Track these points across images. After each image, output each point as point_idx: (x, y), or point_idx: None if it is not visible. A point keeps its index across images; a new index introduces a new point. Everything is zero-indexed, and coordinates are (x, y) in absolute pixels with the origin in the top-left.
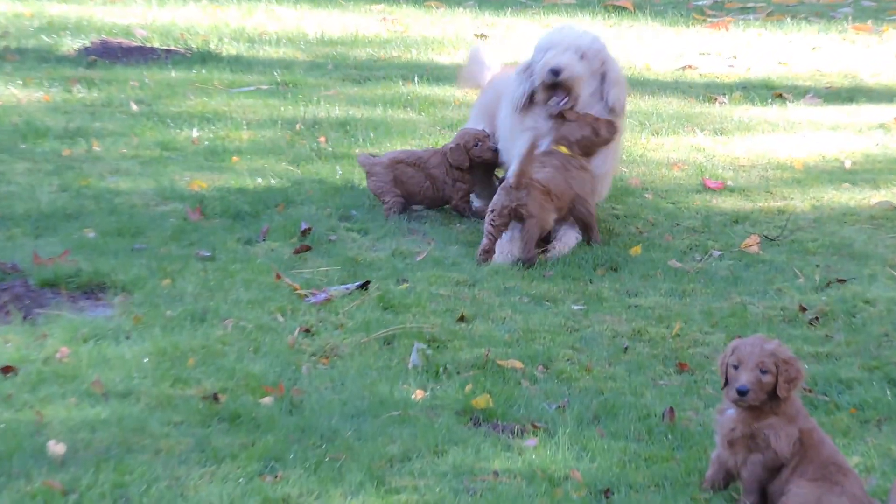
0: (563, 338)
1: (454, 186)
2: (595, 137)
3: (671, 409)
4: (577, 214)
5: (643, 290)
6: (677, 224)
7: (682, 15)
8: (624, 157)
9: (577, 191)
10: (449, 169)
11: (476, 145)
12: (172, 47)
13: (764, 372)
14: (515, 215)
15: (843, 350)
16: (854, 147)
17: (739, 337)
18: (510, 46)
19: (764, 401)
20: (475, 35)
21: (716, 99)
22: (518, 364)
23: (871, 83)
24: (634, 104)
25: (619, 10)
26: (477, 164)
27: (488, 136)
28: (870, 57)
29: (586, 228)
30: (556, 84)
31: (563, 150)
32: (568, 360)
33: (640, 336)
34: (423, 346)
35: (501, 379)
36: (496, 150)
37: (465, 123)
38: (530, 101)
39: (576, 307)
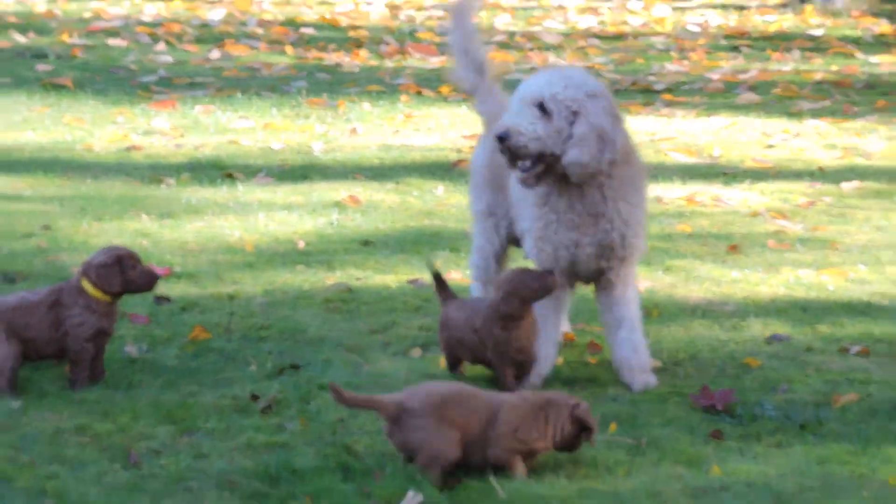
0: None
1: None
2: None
3: None
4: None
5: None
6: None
7: (126, 92)
8: (65, 244)
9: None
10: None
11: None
12: None
13: None
14: None
15: (297, 439)
16: (308, 227)
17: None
18: None
19: None
20: None
21: (162, 180)
22: None
23: (325, 160)
24: (75, 188)
25: (59, 88)
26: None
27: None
28: (324, 132)
29: None
30: (511, 149)
31: None
32: (9, 460)
33: (83, 432)
34: None
35: None
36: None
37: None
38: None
39: (14, 404)
